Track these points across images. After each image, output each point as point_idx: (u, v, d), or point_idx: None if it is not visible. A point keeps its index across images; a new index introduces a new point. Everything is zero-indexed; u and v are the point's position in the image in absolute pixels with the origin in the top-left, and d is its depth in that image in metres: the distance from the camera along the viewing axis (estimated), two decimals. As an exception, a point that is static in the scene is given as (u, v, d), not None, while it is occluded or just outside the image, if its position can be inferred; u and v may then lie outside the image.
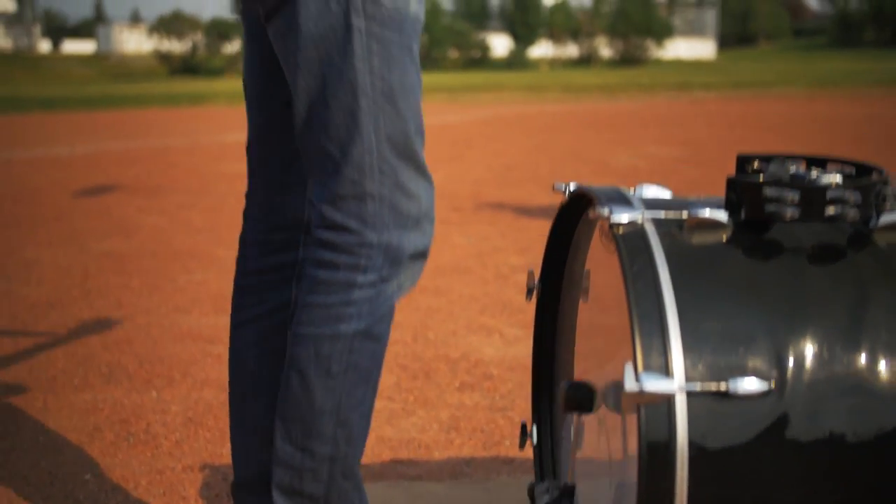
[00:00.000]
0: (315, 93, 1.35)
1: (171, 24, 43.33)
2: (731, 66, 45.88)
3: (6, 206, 6.00)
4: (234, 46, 40.80)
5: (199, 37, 42.72)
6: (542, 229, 4.76)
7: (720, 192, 1.31)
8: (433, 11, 45.05)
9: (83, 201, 6.15)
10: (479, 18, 55.73)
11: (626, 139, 9.66)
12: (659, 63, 45.57)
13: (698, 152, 8.33)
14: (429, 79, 31.82)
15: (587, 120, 12.80)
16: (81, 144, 9.95)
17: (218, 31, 42.67)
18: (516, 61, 43.39)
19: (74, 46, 54.99)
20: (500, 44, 47.53)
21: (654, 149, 8.71)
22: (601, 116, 13.32)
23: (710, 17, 61.46)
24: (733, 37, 68.38)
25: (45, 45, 54.48)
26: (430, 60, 40.17)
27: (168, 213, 5.60)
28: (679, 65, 46.75)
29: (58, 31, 67.17)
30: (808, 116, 12.55)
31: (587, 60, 46.31)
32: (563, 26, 46.76)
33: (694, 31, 60.40)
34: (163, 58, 43.61)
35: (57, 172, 7.61)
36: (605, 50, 46.71)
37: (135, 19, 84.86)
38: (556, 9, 48.73)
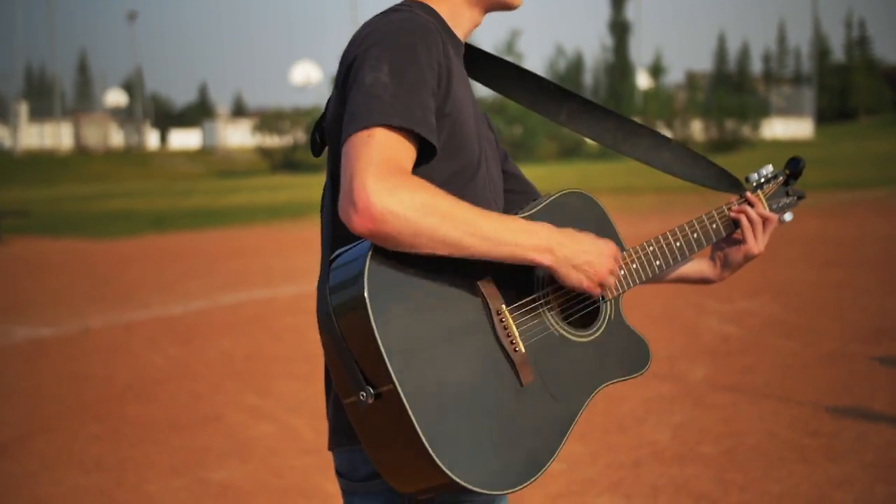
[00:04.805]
0: None
1: (272, 122, 44.75)
2: (831, 145, 45.41)
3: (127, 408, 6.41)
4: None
5: (299, 134, 43.98)
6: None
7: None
8: (527, 101, 45.51)
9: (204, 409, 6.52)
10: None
11: (717, 288, 9.75)
12: (754, 147, 45.29)
13: (788, 308, 8.43)
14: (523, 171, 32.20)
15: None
16: (195, 299, 10.48)
17: (318, 128, 43.89)
18: (610, 151, 43.58)
19: (181, 139, 57.07)
20: (594, 130, 47.81)
21: (746, 304, 8.81)
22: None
23: (808, 94, 60.89)
24: (831, 113, 67.59)
25: (153, 139, 56.67)
26: (525, 150, 40.68)
27: (278, 421, 5.94)
28: (776, 146, 46.44)
29: (165, 119, 69.92)
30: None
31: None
32: (657, 113, 46.87)
33: (791, 109, 59.84)
34: (265, 153, 45.02)
35: (177, 351, 8.07)
36: (700, 135, 46.61)
37: (238, 106, 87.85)
38: (649, 95, 48.95)
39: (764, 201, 2.17)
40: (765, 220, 2.13)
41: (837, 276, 10.15)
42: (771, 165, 2.22)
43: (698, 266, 2.18)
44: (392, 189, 1.58)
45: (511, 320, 1.74)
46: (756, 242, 2.13)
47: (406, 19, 1.74)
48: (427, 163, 1.72)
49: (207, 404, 6.35)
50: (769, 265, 11.14)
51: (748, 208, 2.14)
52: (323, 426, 5.53)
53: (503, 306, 1.74)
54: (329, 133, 1.82)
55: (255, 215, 21.19)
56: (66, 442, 5.65)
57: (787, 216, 2.22)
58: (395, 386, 1.57)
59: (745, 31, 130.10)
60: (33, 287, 11.97)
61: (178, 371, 7.27)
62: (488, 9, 1.93)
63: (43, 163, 45.93)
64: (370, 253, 1.62)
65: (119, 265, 14.10)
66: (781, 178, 2.22)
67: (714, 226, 2.12)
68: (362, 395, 1.60)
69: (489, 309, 1.72)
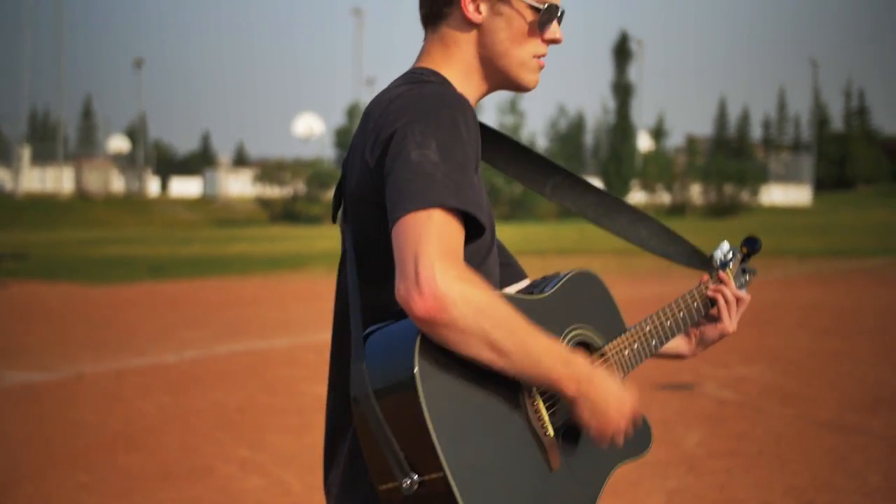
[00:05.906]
0: None
1: (273, 173, 45.00)
2: (829, 213, 45.60)
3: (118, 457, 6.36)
4: (332, 194, 42.18)
5: (299, 185, 44.20)
6: None
7: None
8: (528, 160, 45.70)
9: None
10: (574, 163, 56.61)
11: (713, 353, 9.71)
12: (752, 212, 45.45)
13: (785, 375, 8.40)
14: (520, 232, 32.33)
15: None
16: (189, 348, 10.44)
17: (319, 180, 44.14)
18: (609, 211, 43.63)
19: (182, 186, 57.21)
20: (593, 190, 48.03)
21: (742, 370, 8.79)
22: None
23: (807, 161, 61.27)
24: (830, 181, 67.97)
25: (154, 186, 56.80)
26: (524, 209, 40.78)
27: (267, 474, 5.89)
28: (774, 212, 46.63)
29: (167, 165, 70.15)
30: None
31: (681, 209, 46.48)
32: (656, 176, 47.08)
33: (790, 176, 60.19)
34: (264, 204, 45.17)
35: (168, 400, 8.02)
36: (698, 198, 46.78)
37: (240, 155, 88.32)
38: (649, 158, 49.21)
39: (732, 280, 2.20)
40: (738, 300, 2.17)
41: (835, 345, 10.13)
42: (727, 243, 2.25)
43: (675, 343, 2.18)
44: (457, 279, 1.56)
45: (541, 404, 1.74)
46: (731, 321, 2.16)
47: (443, 94, 1.73)
48: (468, 242, 1.70)
49: (198, 455, 6.29)
50: (767, 332, 11.12)
51: (724, 288, 2.17)
52: (313, 480, 5.47)
53: (535, 389, 1.74)
54: (353, 201, 1.80)
55: (253, 265, 21.19)
56: (54, 490, 5.59)
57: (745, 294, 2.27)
58: (445, 474, 1.54)
59: (746, 98, 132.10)
60: (28, 331, 11.93)
61: (169, 420, 7.22)
62: (499, 87, 1.92)
63: (44, 206, 46.01)
64: (420, 334, 1.58)
65: (115, 311, 14.08)
66: (740, 255, 2.27)
67: (695, 304, 2.15)
68: (406, 483, 1.56)
69: (522, 393, 1.71)
